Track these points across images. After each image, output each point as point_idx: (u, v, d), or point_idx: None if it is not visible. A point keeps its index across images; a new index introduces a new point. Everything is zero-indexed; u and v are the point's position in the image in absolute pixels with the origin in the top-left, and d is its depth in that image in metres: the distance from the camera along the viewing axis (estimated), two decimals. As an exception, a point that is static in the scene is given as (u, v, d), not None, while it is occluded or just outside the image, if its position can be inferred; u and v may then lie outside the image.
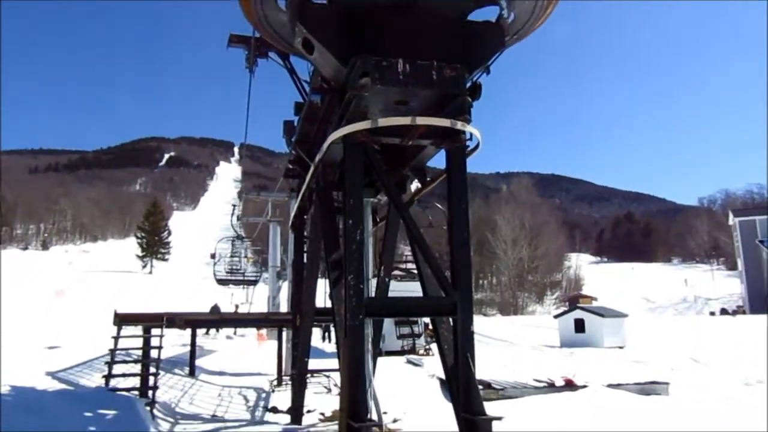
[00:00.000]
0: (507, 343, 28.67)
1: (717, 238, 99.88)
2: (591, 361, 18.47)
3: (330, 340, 27.93)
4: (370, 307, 6.40)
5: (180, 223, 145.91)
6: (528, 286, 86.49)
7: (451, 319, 6.53)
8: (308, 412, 11.34)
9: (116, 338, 11.37)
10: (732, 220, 62.35)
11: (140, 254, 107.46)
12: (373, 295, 9.39)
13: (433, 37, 6.47)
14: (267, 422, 11.17)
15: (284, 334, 16.92)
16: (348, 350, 5.97)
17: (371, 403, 8.67)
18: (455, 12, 6.66)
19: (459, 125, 6.39)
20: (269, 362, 18.52)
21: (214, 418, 11.61)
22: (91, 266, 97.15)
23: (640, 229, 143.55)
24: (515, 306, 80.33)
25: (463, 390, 6.14)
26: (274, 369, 16.71)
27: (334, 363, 11.75)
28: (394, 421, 10.21)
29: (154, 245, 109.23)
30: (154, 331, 12.13)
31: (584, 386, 11.85)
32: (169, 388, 13.90)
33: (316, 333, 22.97)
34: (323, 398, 12.80)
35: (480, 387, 6.70)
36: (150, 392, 10.81)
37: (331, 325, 17.58)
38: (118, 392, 10.30)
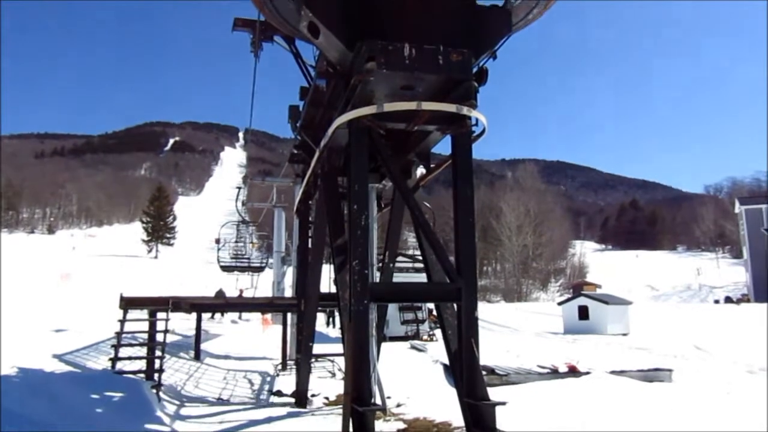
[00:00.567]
0: (511, 330, 28.75)
1: (723, 226, 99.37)
2: (594, 348, 18.51)
3: (334, 326, 28.04)
4: (375, 293, 6.42)
5: (185, 208, 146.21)
6: (532, 273, 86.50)
7: (455, 305, 6.54)
8: (313, 396, 11.43)
9: (122, 322, 11.44)
10: (738, 208, 62.04)
11: (145, 239, 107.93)
12: (378, 280, 9.42)
13: (439, 21, 6.42)
14: (272, 405, 11.25)
15: (289, 318, 16.99)
16: (352, 335, 5.99)
17: (375, 388, 8.74)
18: (462, -5, 6.60)
19: (465, 110, 6.35)
20: (274, 347, 18.63)
21: (219, 401, 11.71)
22: (96, 251, 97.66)
23: (645, 217, 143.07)
24: (519, 293, 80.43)
25: (467, 375, 6.16)
26: (278, 353, 16.81)
27: (338, 348, 11.81)
28: (398, 405, 10.28)
29: (160, 230, 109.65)
30: (160, 315, 12.20)
31: (587, 373, 11.88)
32: (175, 371, 14.01)
33: (321, 318, 23.06)
34: (328, 382, 12.88)
35: (484, 373, 6.73)
36: (156, 375, 10.89)
37: (336, 311, 17.66)
38: (125, 375, 10.39)
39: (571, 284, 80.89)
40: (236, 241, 27.44)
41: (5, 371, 9.42)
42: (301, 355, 11.28)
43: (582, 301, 28.02)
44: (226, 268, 27.28)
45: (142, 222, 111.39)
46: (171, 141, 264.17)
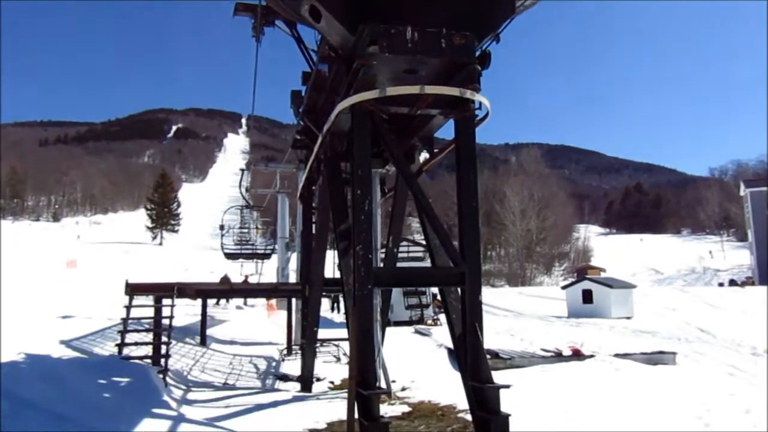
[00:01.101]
0: (514, 314, 28.83)
1: (728, 209, 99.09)
2: (598, 331, 18.56)
3: (339, 311, 28.17)
4: (379, 277, 6.43)
5: (189, 194, 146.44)
6: (536, 257, 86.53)
7: (459, 289, 6.55)
8: (318, 380, 11.50)
9: (128, 307, 11.50)
10: (743, 190, 61.76)
11: (150, 226, 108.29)
12: (382, 265, 9.44)
13: (442, 4, 6.35)
14: (277, 390, 11.33)
15: (294, 304, 17.06)
16: (357, 319, 6.02)
17: (380, 372, 8.81)
18: (465, -23, 6.53)
19: (468, 94, 6.32)
20: (279, 332, 18.74)
21: (225, 386, 11.80)
22: (101, 238, 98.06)
23: (649, 201, 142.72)
24: (523, 277, 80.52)
25: (471, 359, 6.19)
26: (283, 338, 16.91)
27: (343, 333, 11.88)
28: (403, 389, 10.34)
29: (164, 217, 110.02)
30: (165, 301, 12.26)
31: (591, 356, 11.91)
32: (181, 356, 14.11)
33: (325, 303, 23.10)
34: (332, 367, 12.96)
35: (488, 356, 6.77)
36: (162, 360, 10.97)
37: (340, 296, 17.74)
38: (131, 360, 10.47)
39: (575, 268, 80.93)
40: (240, 227, 26.51)
41: (13, 357, 9.51)
42: (306, 339, 11.34)
43: (586, 284, 28.04)
44: (230, 256, 26.12)
45: (147, 209, 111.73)
46: (174, 128, 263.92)
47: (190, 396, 10.24)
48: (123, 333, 11.16)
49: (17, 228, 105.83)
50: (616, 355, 12.04)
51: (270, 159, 28.40)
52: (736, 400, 8.41)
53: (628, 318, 24.37)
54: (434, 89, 6.36)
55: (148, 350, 11.52)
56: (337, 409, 8.52)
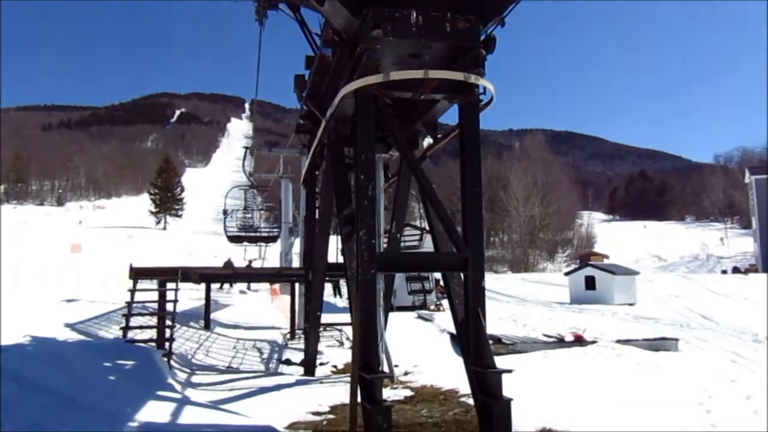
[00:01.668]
0: (517, 300, 28.91)
1: (732, 196, 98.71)
2: (601, 317, 18.61)
3: (341, 295, 28.25)
4: (382, 262, 6.44)
5: (192, 179, 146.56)
6: (539, 243, 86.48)
7: (462, 275, 6.56)
8: (321, 364, 11.59)
9: (132, 291, 11.57)
10: (748, 177, 61.50)
11: (153, 210, 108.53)
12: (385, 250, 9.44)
13: (446, -13, 6.29)
14: (281, 374, 11.42)
15: (297, 288, 17.13)
16: (360, 304, 6.04)
17: (383, 356, 8.84)
18: (470, -40, 6.45)
19: (472, 79, 6.28)
20: (282, 316, 18.84)
21: (229, 369, 11.90)
22: (105, 222, 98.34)
23: (653, 187, 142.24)
24: (526, 263, 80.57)
25: (474, 344, 6.21)
26: (287, 323, 17.01)
27: (346, 317, 11.93)
28: (406, 373, 10.40)
29: (167, 201, 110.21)
30: (169, 285, 12.33)
31: (593, 342, 11.94)
32: (185, 340, 14.21)
33: (328, 288, 23.10)
34: (335, 351, 13.05)
35: (490, 342, 6.78)
36: (166, 344, 11.05)
37: (341, 281, 17.78)
38: (136, 344, 10.55)
39: (578, 255, 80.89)
40: (244, 209, 25.66)
41: (19, 339, 9.59)
42: (309, 324, 11.40)
43: (589, 271, 28.06)
44: (233, 239, 25.07)
45: (150, 194, 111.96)
46: (177, 112, 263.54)
47: (195, 379, 10.33)
48: (127, 316, 11.24)
49: (21, 212, 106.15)
50: (619, 341, 12.06)
51: (273, 144, 28.25)
52: (738, 387, 8.43)
53: (630, 304, 24.41)
54: (438, 74, 6.31)
55: (152, 334, 11.60)
56: (340, 392, 8.58)
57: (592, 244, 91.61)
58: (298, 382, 10.21)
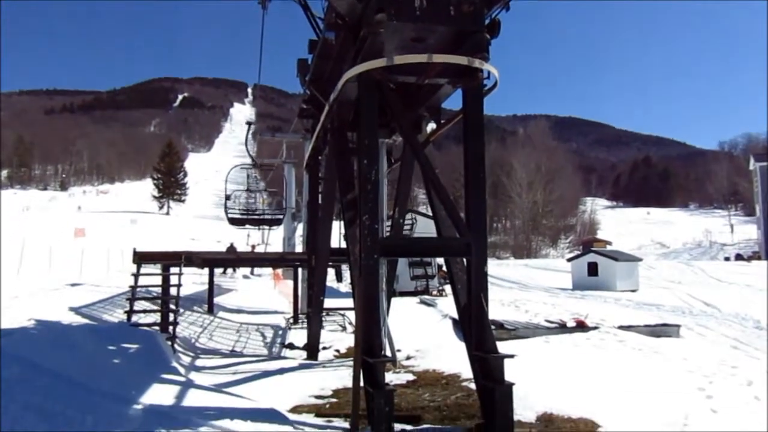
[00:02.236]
0: (520, 286, 28.94)
1: (736, 183, 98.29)
2: (603, 303, 18.63)
3: (342, 280, 28.24)
4: (385, 247, 6.45)
5: (195, 164, 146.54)
6: (542, 229, 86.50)
7: (465, 260, 6.57)
8: (324, 348, 11.64)
9: (136, 276, 11.61)
10: (753, 164, 61.19)
11: (157, 195, 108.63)
12: (388, 235, 9.45)
13: (451, -30, 6.23)
14: (284, 358, 11.49)
15: (300, 273, 17.18)
16: (362, 289, 6.06)
17: (385, 341, 8.88)
18: (475, -57, 6.38)
19: (476, 63, 6.24)
20: (285, 301, 18.92)
21: (233, 353, 11.97)
22: (108, 207, 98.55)
23: (657, 174, 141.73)
24: (529, 249, 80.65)
25: (476, 329, 6.24)
26: (290, 307, 17.08)
27: (348, 302, 11.97)
28: (408, 358, 10.45)
29: (171, 186, 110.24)
30: (173, 270, 12.38)
31: (595, 327, 11.97)
32: (189, 324, 14.30)
33: (331, 273, 22.94)
34: (338, 336, 13.10)
35: (492, 327, 6.81)
36: (170, 328, 11.12)
37: (343, 266, 17.78)
38: (140, 327, 10.61)
39: (581, 241, 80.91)
40: (247, 189, 23.76)
41: (24, 323, 9.66)
42: (312, 309, 11.45)
43: (591, 257, 28.06)
44: (234, 221, 23.64)
45: (153, 179, 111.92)
46: (180, 97, 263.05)
47: (198, 363, 10.41)
48: (131, 300, 11.30)
49: (24, 197, 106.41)
50: (620, 327, 12.08)
51: (276, 129, 27.99)
52: (739, 373, 8.46)
53: (633, 291, 24.42)
54: (442, 58, 6.28)
55: (156, 318, 11.67)
56: (343, 376, 8.64)
57: (595, 231, 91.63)
58: (301, 366, 10.28)
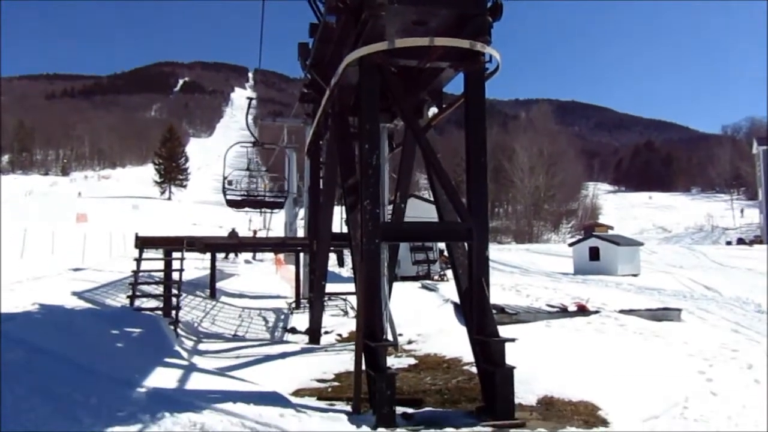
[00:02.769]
0: (521, 271, 29.00)
1: (739, 167, 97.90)
2: (604, 288, 18.66)
3: (344, 265, 28.33)
4: (386, 232, 6.46)
5: (196, 149, 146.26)
6: (544, 214, 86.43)
7: (466, 245, 6.57)
8: (326, 333, 11.69)
9: (138, 260, 11.64)
10: (756, 148, 60.84)
11: (158, 180, 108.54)
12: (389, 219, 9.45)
13: (453, -48, 6.16)
14: (286, 342, 11.55)
15: (302, 258, 17.21)
16: (364, 273, 6.07)
17: (387, 325, 8.92)
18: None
19: (478, 46, 6.20)
20: (287, 286, 18.97)
21: (235, 338, 12.04)
22: (110, 192, 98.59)
23: (660, 158, 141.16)
24: (530, 234, 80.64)
25: (477, 313, 6.26)
26: (292, 292, 17.13)
27: (350, 287, 12.00)
28: (409, 342, 10.50)
29: (172, 171, 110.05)
30: (175, 254, 12.41)
31: (596, 312, 12.00)
32: (191, 309, 14.36)
33: (332, 258, 23.03)
34: (340, 320, 13.16)
35: (493, 311, 6.83)
36: (173, 312, 11.17)
37: (345, 251, 17.80)
38: (143, 312, 10.66)
39: (583, 225, 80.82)
40: (247, 169, 22.89)
41: (28, 307, 9.70)
42: (314, 293, 11.49)
43: (593, 242, 28.07)
44: (233, 203, 21.84)
45: (155, 164, 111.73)
46: (180, 82, 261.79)
47: (201, 347, 10.47)
48: (134, 285, 11.34)
49: (26, 182, 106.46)
50: (621, 311, 12.11)
51: (277, 114, 27.78)
52: (739, 356, 8.50)
53: (634, 275, 24.47)
54: (444, 41, 6.23)
55: (158, 302, 11.72)
56: (345, 360, 8.69)
57: (596, 215, 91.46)
58: (304, 350, 10.33)
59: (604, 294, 16.10)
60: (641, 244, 29.10)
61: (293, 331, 12.57)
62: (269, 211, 23.75)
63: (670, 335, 10.07)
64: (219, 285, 18.57)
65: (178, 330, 10.61)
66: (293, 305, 15.87)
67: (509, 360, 6.00)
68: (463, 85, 6.63)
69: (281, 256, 27.17)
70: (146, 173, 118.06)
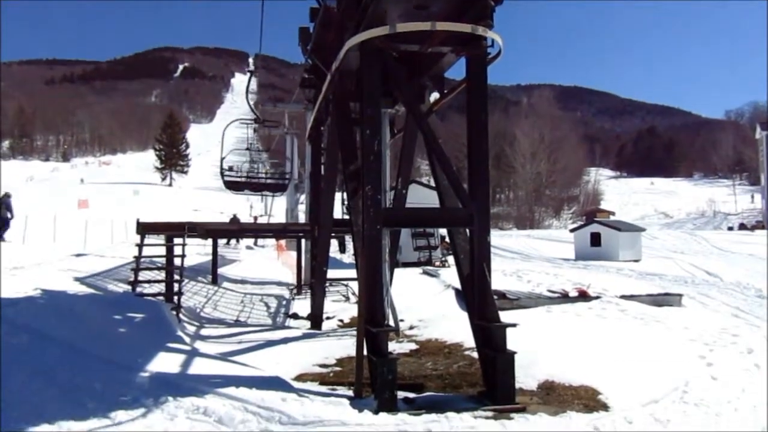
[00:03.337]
0: (522, 256, 29.01)
1: (742, 152, 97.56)
2: (605, 273, 18.67)
3: (345, 251, 28.39)
4: (388, 218, 6.45)
5: (197, 135, 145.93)
6: (545, 200, 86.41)
7: (468, 230, 6.56)
8: (327, 318, 11.74)
9: (140, 246, 11.66)
10: (759, 133, 60.50)
11: (159, 166, 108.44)
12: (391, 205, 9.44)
13: (455, -66, 6.09)
14: (288, 327, 11.60)
15: (303, 244, 17.23)
16: (365, 259, 6.08)
17: (388, 311, 8.95)
18: None
19: (480, 31, 6.14)
20: (289, 272, 19.02)
21: (237, 323, 12.10)
22: (111, 178, 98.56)
23: (662, 144, 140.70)
24: (532, 220, 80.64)
25: (479, 298, 6.27)
26: (293, 278, 17.19)
27: (352, 273, 12.04)
28: (411, 327, 10.53)
29: (173, 158, 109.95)
30: (177, 240, 12.42)
31: (597, 297, 12.01)
32: (193, 294, 14.41)
33: (334, 244, 23.09)
34: (342, 306, 13.21)
35: (495, 297, 6.84)
36: (175, 298, 11.21)
37: (347, 237, 17.82)
38: (145, 297, 10.70)
39: (584, 211, 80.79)
40: (248, 149, 22.02)
41: (30, 292, 9.74)
42: (315, 279, 11.52)
43: (594, 227, 28.02)
44: (232, 185, 20.46)
45: (155, 150, 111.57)
46: (180, 67, 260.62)
47: (203, 332, 10.52)
48: (136, 271, 11.36)
49: (27, 167, 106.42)
50: (623, 297, 12.12)
51: (278, 99, 27.56)
52: (740, 341, 8.52)
53: (635, 261, 24.45)
54: (446, 26, 6.18)
55: (160, 288, 11.75)
56: (347, 345, 8.72)
57: (598, 201, 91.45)
58: (305, 336, 10.38)
59: (605, 279, 16.11)
60: (643, 229, 29.06)
61: (295, 316, 12.63)
62: (270, 194, 23.28)
63: (670, 320, 10.08)
64: (221, 271, 18.62)
65: (180, 315, 10.65)
66: (295, 291, 15.94)
67: (510, 345, 6.02)
68: (465, 70, 6.58)
69: (283, 242, 27.24)
70: (147, 159, 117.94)
